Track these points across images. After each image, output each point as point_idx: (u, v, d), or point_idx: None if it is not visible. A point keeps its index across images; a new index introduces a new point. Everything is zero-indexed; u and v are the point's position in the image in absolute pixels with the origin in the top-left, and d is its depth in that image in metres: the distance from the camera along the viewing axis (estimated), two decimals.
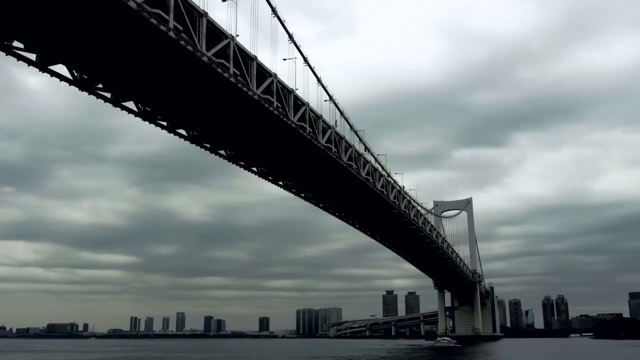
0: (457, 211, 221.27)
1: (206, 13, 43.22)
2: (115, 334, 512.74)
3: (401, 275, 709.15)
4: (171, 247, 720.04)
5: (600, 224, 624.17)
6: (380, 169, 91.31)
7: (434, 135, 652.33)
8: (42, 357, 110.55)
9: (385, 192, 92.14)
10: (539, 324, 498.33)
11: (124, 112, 49.71)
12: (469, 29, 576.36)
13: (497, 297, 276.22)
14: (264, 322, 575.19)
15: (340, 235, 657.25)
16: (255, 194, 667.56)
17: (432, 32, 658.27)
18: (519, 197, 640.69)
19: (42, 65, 41.56)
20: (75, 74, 44.02)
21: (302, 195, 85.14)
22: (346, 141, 74.19)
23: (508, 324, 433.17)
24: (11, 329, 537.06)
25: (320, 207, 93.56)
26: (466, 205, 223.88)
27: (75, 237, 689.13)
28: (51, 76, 42.49)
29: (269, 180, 75.33)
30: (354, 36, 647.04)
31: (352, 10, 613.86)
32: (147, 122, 52.68)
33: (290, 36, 60.34)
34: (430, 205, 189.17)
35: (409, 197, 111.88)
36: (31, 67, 41.13)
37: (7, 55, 39.63)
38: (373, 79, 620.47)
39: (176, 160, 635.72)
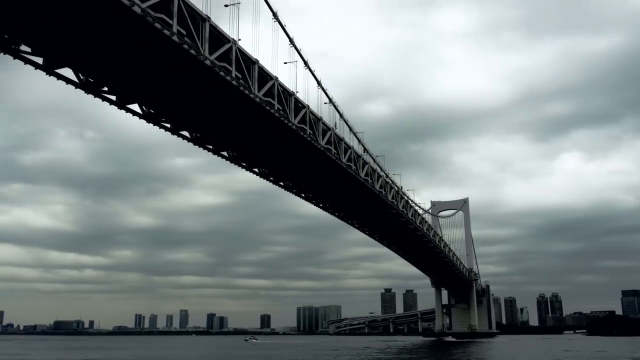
0: (454, 211, 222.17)
1: (209, 18, 43.84)
2: (120, 331, 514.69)
3: (367, 275, 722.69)
4: (127, 249, 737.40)
5: (522, 231, 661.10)
6: (379, 169, 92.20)
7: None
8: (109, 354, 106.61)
9: (384, 193, 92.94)
10: (534, 321, 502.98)
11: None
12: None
13: (493, 294, 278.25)
14: (265, 320, 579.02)
15: (281, 239, 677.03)
16: (189, 202, 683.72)
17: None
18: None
19: (49, 68, 42.10)
20: (81, 77, 44.62)
21: (303, 195, 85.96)
22: (345, 142, 74.99)
23: (504, 321, 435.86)
24: (18, 326, 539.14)
25: (320, 207, 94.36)
26: (463, 205, 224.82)
27: (36, 239, 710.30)
28: (57, 79, 43.06)
29: (270, 181, 76.10)
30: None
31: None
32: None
33: (291, 40, 61.15)
34: (427, 205, 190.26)
35: (407, 197, 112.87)
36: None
37: (14, 58, 40.05)
38: None
39: (107, 168, 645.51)
